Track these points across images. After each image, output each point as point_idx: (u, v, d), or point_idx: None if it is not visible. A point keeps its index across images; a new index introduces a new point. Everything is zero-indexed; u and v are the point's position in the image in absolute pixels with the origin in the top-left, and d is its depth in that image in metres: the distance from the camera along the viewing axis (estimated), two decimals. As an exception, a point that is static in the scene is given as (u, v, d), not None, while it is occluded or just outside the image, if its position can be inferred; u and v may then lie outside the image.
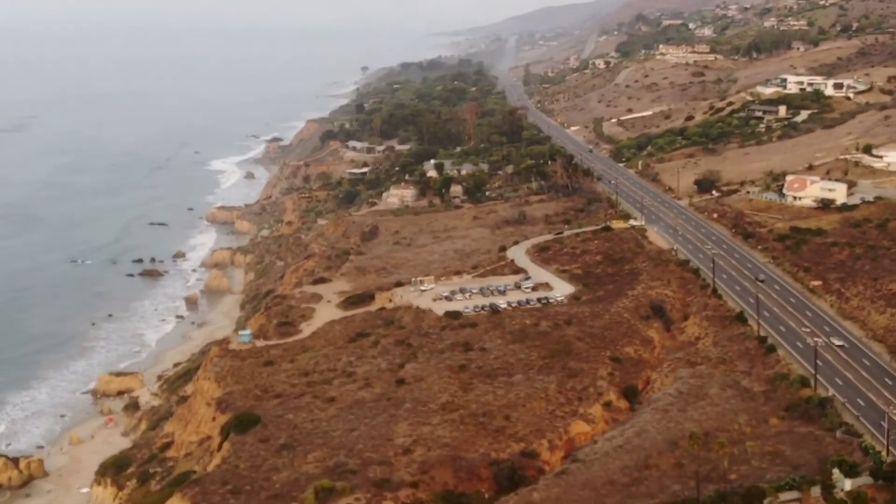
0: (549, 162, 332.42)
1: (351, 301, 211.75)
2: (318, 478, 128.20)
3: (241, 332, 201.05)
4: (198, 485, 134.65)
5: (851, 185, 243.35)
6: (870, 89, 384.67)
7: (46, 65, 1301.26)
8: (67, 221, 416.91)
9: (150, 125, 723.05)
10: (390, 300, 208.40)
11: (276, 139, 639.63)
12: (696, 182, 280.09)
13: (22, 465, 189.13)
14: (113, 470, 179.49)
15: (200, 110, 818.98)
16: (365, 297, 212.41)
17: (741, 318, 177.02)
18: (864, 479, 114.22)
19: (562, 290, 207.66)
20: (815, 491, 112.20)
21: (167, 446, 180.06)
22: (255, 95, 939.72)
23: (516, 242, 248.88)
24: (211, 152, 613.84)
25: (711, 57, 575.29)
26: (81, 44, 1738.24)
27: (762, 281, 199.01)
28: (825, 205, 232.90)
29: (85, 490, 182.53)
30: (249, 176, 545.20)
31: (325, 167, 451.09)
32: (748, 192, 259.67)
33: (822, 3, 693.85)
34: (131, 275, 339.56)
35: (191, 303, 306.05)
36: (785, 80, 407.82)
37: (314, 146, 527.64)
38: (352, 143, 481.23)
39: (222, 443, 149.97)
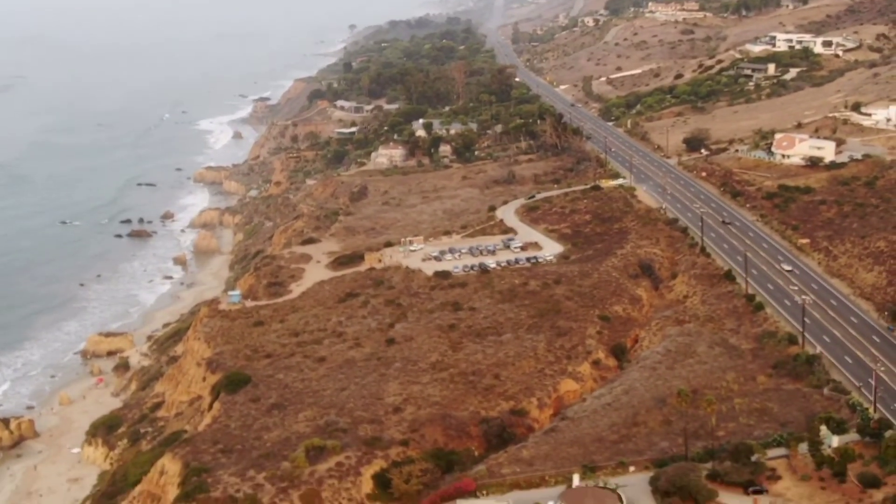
0: (539, 121, 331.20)
1: (340, 261, 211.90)
2: (309, 436, 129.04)
3: (230, 293, 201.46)
4: (189, 444, 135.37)
5: (840, 142, 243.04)
6: (859, 47, 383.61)
7: (34, 23, 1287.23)
8: (56, 182, 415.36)
9: (138, 84, 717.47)
10: (380, 260, 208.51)
11: (263, 98, 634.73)
12: (685, 141, 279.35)
13: (13, 425, 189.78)
14: (104, 430, 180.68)
15: (187, 69, 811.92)
16: (354, 258, 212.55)
17: (729, 277, 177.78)
18: (852, 436, 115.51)
19: (551, 249, 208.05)
20: (803, 448, 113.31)
21: (158, 406, 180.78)
22: (243, 54, 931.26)
23: (505, 202, 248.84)
24: (199, 112, 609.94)
25: (701, 14, 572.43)
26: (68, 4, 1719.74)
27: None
28: (814, 163, 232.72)
29: (76, 450, 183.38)
30: (237, 136, 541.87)
31: (314, 127, 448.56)
32: (737, 151, 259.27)
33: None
34: (120, 235, 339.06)
35: (180, 263, 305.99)
36: (774, 37, 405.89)
37: (302, 105, 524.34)
38: (340, 103, 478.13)
39: (213, 402, 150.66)
